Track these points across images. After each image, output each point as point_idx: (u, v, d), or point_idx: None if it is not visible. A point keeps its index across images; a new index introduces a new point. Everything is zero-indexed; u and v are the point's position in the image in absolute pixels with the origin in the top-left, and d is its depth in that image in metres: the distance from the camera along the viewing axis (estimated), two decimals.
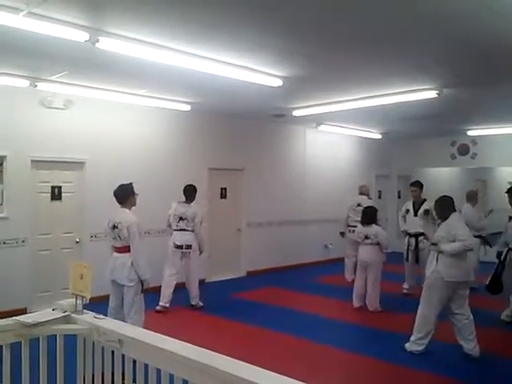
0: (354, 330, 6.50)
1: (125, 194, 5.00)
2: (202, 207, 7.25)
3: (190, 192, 7.13)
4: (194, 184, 7.24)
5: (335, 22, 4.23)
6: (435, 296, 5.18)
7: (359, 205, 8.97)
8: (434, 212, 5.77)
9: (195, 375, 2.18)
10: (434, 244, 5.31)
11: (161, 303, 6.90)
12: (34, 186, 6.82)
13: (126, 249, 4.88)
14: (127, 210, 4.98)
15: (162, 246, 7.17)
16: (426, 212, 7.59)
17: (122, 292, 4.93)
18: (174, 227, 7.03)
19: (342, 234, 9.46)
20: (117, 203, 5.01)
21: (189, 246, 7.02)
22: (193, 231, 7.03)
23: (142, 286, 4.91)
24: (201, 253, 7.26)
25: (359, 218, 8.44)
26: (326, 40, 4.75)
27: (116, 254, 4.98)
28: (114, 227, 4.91)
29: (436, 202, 5.51)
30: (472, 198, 8.36)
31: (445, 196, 5.48)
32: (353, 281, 8.29)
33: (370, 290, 7.15)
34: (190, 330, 6.09)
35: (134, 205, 5.08)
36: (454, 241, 5.06)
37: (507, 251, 6.43)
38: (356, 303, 7.28)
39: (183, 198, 7.11)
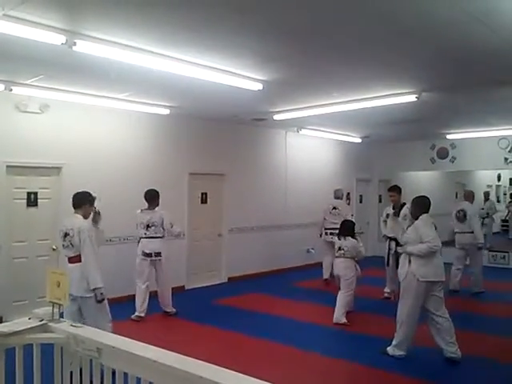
0: (337, 334, 6.47)
1: (81, 200, 4.79)
2: (167, 211, 7.12)
3: (152, 197, 6.95)
4: (156, 189, 7.05)
5: (315, 27, 4.22)
6: (412, 297, 5.21)
7: (335, 208, 9.54)
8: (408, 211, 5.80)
9: (177, 383, 2.13)
10: (401, 245, 5.39)
11: (136, 313, 6.81)
12: (10, 193, 6.66)
13: (80, 258, 4.59)
14: (80, 217, 4.73)
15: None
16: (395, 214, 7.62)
17: (78, 306, 4.60)
18: (143, 235, 6.90)
19: (320, 235, 9.86)
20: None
21: (158, 254, 6.89)
22: (162, 237, 6.93)
23: (96, 297, 4.56)
24: None
25: (336, 221, 8.99)
26: (305, 44, 4.74)
27: (70, 265, 4.64)
28: (66, 235, 4.64)
29: (413, 200, 5.55)
30: (469, 197, 8.89)
31: (423, 196, 5.55)
32: (326, 280, 9.44)
33: (337, 302, 6.85)
34: (171, 337, 6.00)
35: (87, 216, 4.81)
36: (421, 242, 5.12)
37: None
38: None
39: (146, 206, 6.98)
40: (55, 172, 7.09)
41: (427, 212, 5.35)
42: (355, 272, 6.91)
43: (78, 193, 4.89)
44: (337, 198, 9.77)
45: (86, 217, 4.79)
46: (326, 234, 9.56)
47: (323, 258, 9.75)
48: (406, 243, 5.34)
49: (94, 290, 4.55)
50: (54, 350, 2.76)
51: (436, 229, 5.27)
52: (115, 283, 6.63)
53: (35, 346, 2.74)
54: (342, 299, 6.79)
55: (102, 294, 4.59)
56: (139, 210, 6.97)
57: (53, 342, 2.76)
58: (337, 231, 9.07)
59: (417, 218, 5.34)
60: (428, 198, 5.49)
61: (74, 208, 4.80)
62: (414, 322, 5.25)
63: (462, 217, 8.54)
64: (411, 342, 5.31)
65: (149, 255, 6.86)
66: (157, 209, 6.96)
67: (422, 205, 5.41)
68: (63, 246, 4.72)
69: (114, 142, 7.82)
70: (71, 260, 4.67)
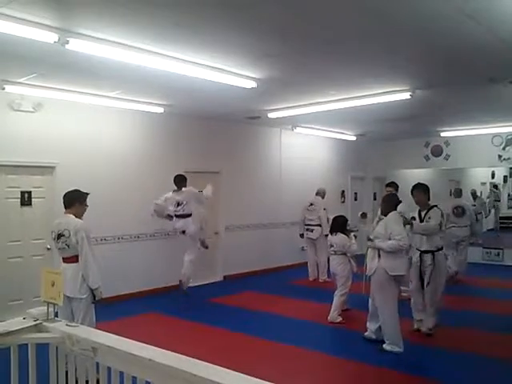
0: (332, 332, 6.47)
1: (71, 199, 4.69)
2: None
3: (180, 180, 7.60)
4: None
5: (308, 24, 4.22)
6: (388, 291, 5.37)
7: (311, 204, 9.61)
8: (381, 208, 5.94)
9: (173, 382, 2.13)
10: (370, 240, 5.53)
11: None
12: (3, 192, 6.62)
13: (76, 258, 4.51)
14: (72, 216, 4.61)
15: (135, 251, 7.05)
16: (363, 215, 7.53)
17: (71, 307, 4.52)
18: (173, 214, 7.52)
19: (301, 235, 9.85)
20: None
21: (183, 232, 7.51)
22: (189, 215, 7.48)
23: (94, 297, 4.53)
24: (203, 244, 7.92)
25: (311, 217, 9.38)
26: (299, 42, 4.74)
27: (65, 265, 4.56)
28: (60, 236, 4.53)
29: (383, 198, 5.92)
30: (459, 193, 9.84)
31: (393, 194, 5.96)
32: (314, 280, 9.62)
33: (333, 302, 6.81)
34: (167, 336, 5.99)
35: (79, 215, 4.68)
36: (390, 238, 5.30)
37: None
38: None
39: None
40: (49, 171, 7.06)
41: (395, 209, 5.59)
42: (349, 269, 6.83)
43: (67, 192, 4.77)
44: (317, 194, 9.82)
45: (77, 216, 4.66)
46: (306, 230, 9.68)
47: (307, 257, 10.00)
48: (375, 238, 5.48)
49: (95, 289, 4.51)
50: (49, 349, 2.75)
51: (405, 226, 5.51)
52: (109, 283, 6.60)
53: (30, 345, 2.73)
54: (337, 299, 6.78)
55: (101, 292, 4.56)
56: (170, 192, 7.58)
57: (48, 341, 2.75)
58: (312, 227, 9.40)
59: (386, 215, 5.55)
60: (396, 195, 5.91)
61: (66, 208, 4.69)
62: (397, 314, 5.39)
63: (460, 212, 9.27)
64: (401, 335, 5.38)
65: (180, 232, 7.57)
66: (184, 189, 7.56)
67: (390, 202, 5.67)
68: (57, 248, 4.62)
69: (108, 141, 7.79)
70: (66, 260, 4.59)
